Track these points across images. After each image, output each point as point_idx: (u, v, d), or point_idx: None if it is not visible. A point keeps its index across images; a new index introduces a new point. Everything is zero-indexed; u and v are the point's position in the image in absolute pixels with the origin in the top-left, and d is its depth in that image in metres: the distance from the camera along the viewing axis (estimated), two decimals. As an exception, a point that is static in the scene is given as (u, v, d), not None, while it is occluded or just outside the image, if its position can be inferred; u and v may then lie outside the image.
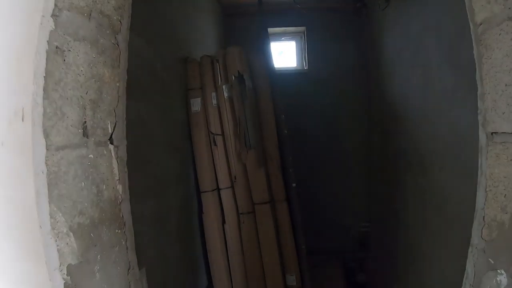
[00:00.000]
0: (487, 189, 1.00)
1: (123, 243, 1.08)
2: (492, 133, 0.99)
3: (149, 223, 2.01)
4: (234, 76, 2.68)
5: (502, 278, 0.93)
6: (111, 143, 1.04)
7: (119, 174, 1.07)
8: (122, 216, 1.08)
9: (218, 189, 2.81)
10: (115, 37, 1.07)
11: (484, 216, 1.01)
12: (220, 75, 2.77)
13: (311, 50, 4.72)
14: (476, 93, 1.94)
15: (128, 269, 1.10)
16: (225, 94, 2.73)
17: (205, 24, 3.70)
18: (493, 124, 0.97)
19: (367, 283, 4.00)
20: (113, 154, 1.04)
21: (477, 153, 1.95)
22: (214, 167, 2.79)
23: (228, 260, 2.85)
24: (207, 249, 2.87)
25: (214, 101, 2.78)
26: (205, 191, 2.78)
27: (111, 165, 1.03)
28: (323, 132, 4.64)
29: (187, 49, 2.96)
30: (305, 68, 4.79)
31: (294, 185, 2.55)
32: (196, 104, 2.79)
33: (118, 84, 1.08)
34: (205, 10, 3.72)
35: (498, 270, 0.94)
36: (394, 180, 3.48)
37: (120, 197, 1.07)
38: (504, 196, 0.94)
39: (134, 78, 1.88)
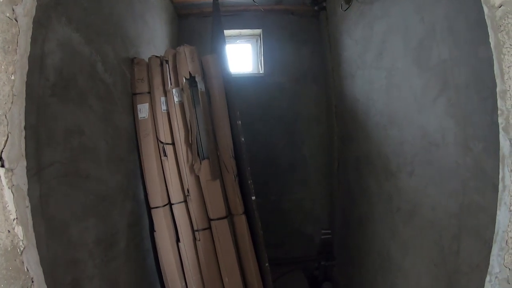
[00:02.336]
0: (511, 208, 0.82)
1: (33, 307, 0.78)
2: (518, 139, 0.82)
3: (92, 248, 1.76)
4: (185, 78, 2.43)
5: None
6: (1, 165, 0.74)
7: (16, 210, 0.76)
8: (27, 269, 0.79)
9: (170, 204, 2.53)
10: (13, 9, 0.77)
11: (507, 240, 0.83)
12: (170, 78, 2.51)
13: (267, 53, 4.58)
14: (448, 94, 1.84)
15: None
16: (175, 99, 2.48)
17: (156, 23, 3.43)
18: (521, 128, 0.81)
19: (334, 292, 3.87)
20: (4, 182, 0.74)
21: (450, 158, 1.85)
22: (165, 180, 2.52)
23: (185, 281, 2.59)
24: (161, 270, 2.59)
25: (164, 107, 2.51)
26: (156, 207, 2.50)
27: (2, 199, 0.74)
28: (281, 138, 4.53)
29: (135, 50, 2.68)
30: (261, 72, 4.64)
31: (253, 198, 2.33)
32: (143, 110, 2.51)
33: (13, 77, 0.77)
34: (156, 8, 3.46)
35: (528, 304, 0.79)
36: (357, 186, 3.39)
37: (21, 244, 0.77)
38: (538, 218, 0.79)
39: (71, 80, 1.63)
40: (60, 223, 1.48)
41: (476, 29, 1.57)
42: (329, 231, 4.31)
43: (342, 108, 3.81)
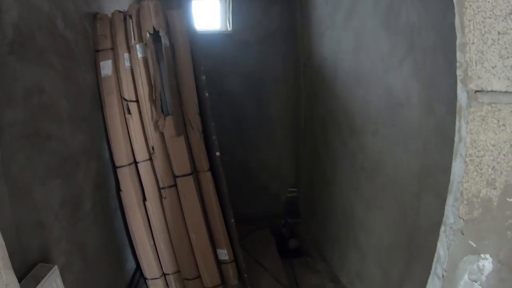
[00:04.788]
0: (466, 159, 0.84)
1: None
2: (476, 92, 0.82)
3: (58, 210, 1.74)
4: (148, 33, 2.35)
5: (486, 263, 0.82)
6: None
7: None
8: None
9: (136, 163, 2.51)
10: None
11: (462, 191, 0.85)
12: (134, 33, 2.42)
13: (236, 11, 4.42)
14: (414, 57, 1.86)
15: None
16: (139, 55, 2.40)
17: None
18: (479, 81, 0.81)
19: (300, 248, 3.99)
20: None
21: (414, 119, 1.89)
22: (130, 139, 2.48)
23: (153, 239, 2.62)
24: (129, 230, 2.60)
25: (127, 63, 2.43)
26: (121, 166, 2.47)
27: None
28: (248, 97, 4.47)
29: (97, 4, 2.55)
30: (229, 29, 4.50)
31: (218, 154, 2.34)
32: (106, 68, 2.42)
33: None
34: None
35: (481, 255, 0.82)
36: (322, 145, 3.45)
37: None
38: (492, 169, 0.80)
39: (30, 36, 1.57)
40: (24, 186, 1.46)
41: (446, -8, 1.56)
42: (295, 189, 4.41)
43: (310, 67, 3.80)
